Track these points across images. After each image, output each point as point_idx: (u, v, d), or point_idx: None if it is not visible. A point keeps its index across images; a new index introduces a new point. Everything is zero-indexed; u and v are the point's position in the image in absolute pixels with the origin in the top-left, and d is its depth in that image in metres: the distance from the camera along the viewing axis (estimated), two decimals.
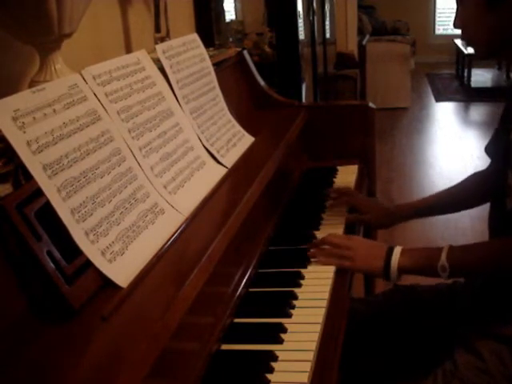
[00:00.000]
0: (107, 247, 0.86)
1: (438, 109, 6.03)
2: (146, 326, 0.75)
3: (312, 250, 1.22)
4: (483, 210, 1.35)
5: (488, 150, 1.33)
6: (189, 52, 1.43)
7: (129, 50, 1.77)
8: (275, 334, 0.96)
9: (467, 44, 1.22)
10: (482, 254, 1.13)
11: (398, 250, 1.15)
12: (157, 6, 1.86)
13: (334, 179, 1.69)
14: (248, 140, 1.51)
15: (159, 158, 1.11)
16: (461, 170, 3.95)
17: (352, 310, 1.15)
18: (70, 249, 0.81)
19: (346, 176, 1.70)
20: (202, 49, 1.50)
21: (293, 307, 1.05)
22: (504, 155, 1.18)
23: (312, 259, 1.20)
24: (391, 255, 1.15)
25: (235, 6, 3.55)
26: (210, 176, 1.24)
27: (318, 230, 1.37)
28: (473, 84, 6.48)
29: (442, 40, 8.42)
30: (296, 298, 1.08)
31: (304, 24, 3.19)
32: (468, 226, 3.00)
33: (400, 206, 1.52)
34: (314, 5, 3.52)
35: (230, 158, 1.36)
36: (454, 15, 1.18)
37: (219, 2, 2.73)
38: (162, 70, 1.27)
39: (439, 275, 1.11)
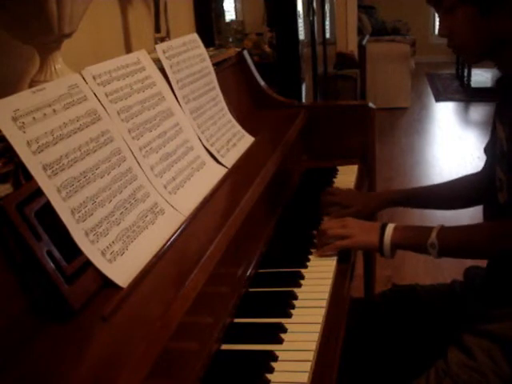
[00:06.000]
0: (107, 247, 0.86)
1: (437, 109, 6.03)
2: (146, 326, 0.75)
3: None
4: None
5: (486, 150, 1.34)
6: (189, 52, 1.43)
7: (129, 50, 1.78)
8: (275, 333, 0.96)
9: (456, 52, 1.22)
10: (471, 234, 1.15)
11: (391, 226, 1.19)
12: (157, 6, 1.87)
13: (334, 179, 1.68)
14: (248, 140, 1.51)
15: (159, 158, 1.11)
16: (461, 170, 3.95)
17: (351, 310, 1.15)
18: (70, 249, 0.81)
19: (346, 176, 1.70)
20: (202, 49, 1.50)
21: (293, 307, 1.05)
22: (493, 150, 1.20)
23: (313, 251, 1.23)
24: (385, 229, 1.18)
25: (235, 5, 3.55)
26: (210, 176, 1.24)
27: (317, 229, 1.36)
28: (473, 84, 6.47)
29: (442, 40, 8.31)
30: (296, 298, 1.08)
31: (304, 24, 3.19)
32: None
33: (383, 193, 1.55)
34: (314, 5, 3.52)
35: (230, 158, 1.36)
36: None
37: (219, 2, 2.74)
38: (162, 70, 1.27)
39: (429, 252, 1.13)
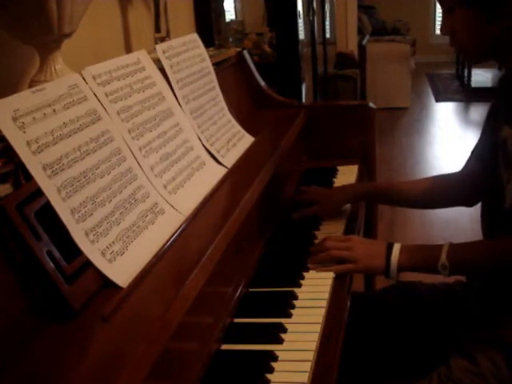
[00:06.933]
0: (107, 247, 0.86)
1: (437, 109, 6.03)
2: (146, 326, 0.75)
3: (312, 258, 1.20)
4: None
5: (476, 151, 1.32)
6: (189, 52, 1.43)
7: (129, 50, 1.78)
8: (275, 333, 0.96)
9: (457, 50, 1.21)
10: (482, 253, 1.13)
11: (397, 248, 1.15)
12: (157, 6, 1.87)
13: (334, 179, 1.68)
14: (248, 140, 1.51)
15: (159, 157, 1.11)
16: None
17: (352, 305, 1.15)
18: (70, 249, 0.81)
19: (346, 176, 1.70)
20: (202, 49, 1.50)
21: (293, 307, 1.05)
22: (493, 155, 1.18)
23: (311, 266, 1.18)
24: (391, 253, 1.14)
25: (235, 6, 3.55)
26: (210, 176, 1.24)
27: (318, 229, 1.37)
28: (473, 84, 6.47)
29: (441, 40, 8.36)
30: (296, 298, 1.08)
31: (304, 24, 3.19)
32: (468, 226, 3.00)
33: (347, 188, 1.51)
34: (314, 5, 3.52)
35: (230, 158, 1.36)
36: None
37: (219, 2, 2.73)
38: (162, 70, 1.27)
39: (439, 273, 1.12)
